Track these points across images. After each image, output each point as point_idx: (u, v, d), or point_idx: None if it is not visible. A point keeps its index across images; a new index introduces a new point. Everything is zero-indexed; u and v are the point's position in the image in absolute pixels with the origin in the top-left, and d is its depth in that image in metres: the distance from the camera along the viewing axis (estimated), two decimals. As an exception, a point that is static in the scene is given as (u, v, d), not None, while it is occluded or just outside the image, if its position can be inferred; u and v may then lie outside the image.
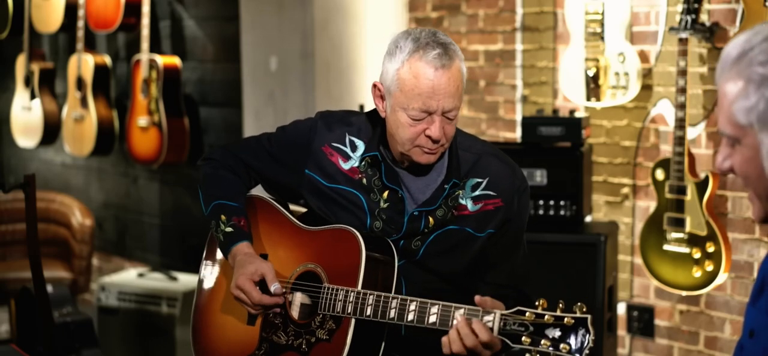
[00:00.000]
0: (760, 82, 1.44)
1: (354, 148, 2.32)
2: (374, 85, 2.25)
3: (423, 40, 2.15)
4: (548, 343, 1.90)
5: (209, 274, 2.50)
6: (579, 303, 1.92)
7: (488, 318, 1.99)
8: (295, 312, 2.29)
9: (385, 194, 2.27)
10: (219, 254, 2.45)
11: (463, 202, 2.26)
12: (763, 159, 1.47)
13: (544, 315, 1.92)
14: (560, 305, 1.93)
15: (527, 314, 1.94)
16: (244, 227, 2.33)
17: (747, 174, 1.51)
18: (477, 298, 2.02)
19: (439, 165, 2.27)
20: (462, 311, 2.03)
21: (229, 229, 2.32)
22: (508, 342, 1.96)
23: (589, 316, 1.90)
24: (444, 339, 2.04)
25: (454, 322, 2.03)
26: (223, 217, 2.33)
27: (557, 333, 1.90)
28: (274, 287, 2.23)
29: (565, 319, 1.90)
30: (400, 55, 2.16)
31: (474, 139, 2.36)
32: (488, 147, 2.34)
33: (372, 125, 2.32)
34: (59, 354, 3.61)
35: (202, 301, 2.49)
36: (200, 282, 2.51)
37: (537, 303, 1.95)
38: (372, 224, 2.26)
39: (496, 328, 1.97)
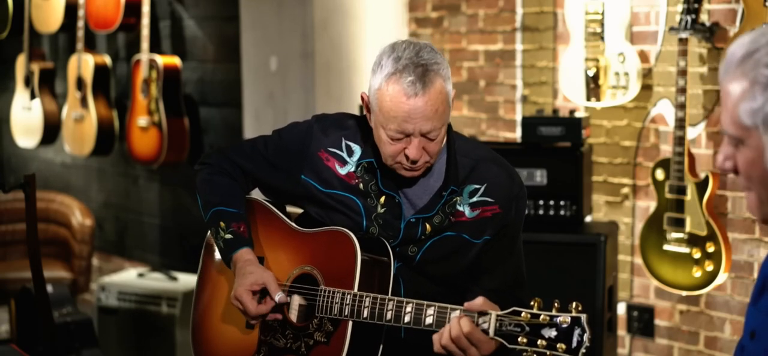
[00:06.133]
0: (767, 85, 1.43)
1: (350, 152, 2.30)
2: (362, 96, 2.24)
3: (402, 62, 2.10)
4: (545, 343, 1.90)
5: (208, 276, 2.48)
6: (574, 302, 1.92)
7: (484, 319, 1.98)
8: (293, 315, 2.28)
9: (382, 199, 2.25)
10: (218, 255, 2.43)
11: (460, 209, 2.24)
12: (767, 161, 1.46)
13: (540, 314, 1.92)
14: (556, 304, 1.93)
15: (523, 314, 1.94)
16: (244, 233, 2.31)
17: (750, 175, 1.51)
18: (466, 304, 2.01)
19: (437, 171, 2.26)
20: (458, 312, 2.02)
21: (228, 236, 2.30)
22: (505, 342, 1.96)
23: (584, 315, 1.90)
24: (434, 336, 2.04)
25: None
26: (222, 224, 2.31)
27: (553, 333, 1.90)
28: (278, 296, 2.22)
29: (561, 319, 1.90)
30: (380, 75, 2.13)
31: (472, 143, 2.34)
32: (486, 152, 2.31)
33: (368, 129, 2.29)
34: (59, 354, 3.61)
35: (201, 303, 2.48)
36: (199, 283, 2.50)
37: (532, 303, 1.94)
38: (368, 229, 2.25)
39: (492, 329, 1.97)
